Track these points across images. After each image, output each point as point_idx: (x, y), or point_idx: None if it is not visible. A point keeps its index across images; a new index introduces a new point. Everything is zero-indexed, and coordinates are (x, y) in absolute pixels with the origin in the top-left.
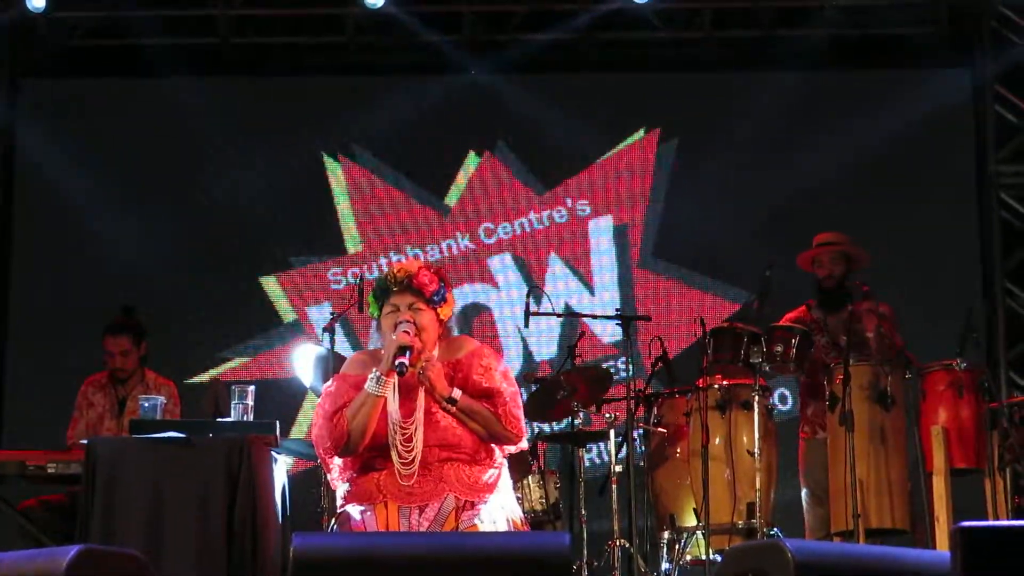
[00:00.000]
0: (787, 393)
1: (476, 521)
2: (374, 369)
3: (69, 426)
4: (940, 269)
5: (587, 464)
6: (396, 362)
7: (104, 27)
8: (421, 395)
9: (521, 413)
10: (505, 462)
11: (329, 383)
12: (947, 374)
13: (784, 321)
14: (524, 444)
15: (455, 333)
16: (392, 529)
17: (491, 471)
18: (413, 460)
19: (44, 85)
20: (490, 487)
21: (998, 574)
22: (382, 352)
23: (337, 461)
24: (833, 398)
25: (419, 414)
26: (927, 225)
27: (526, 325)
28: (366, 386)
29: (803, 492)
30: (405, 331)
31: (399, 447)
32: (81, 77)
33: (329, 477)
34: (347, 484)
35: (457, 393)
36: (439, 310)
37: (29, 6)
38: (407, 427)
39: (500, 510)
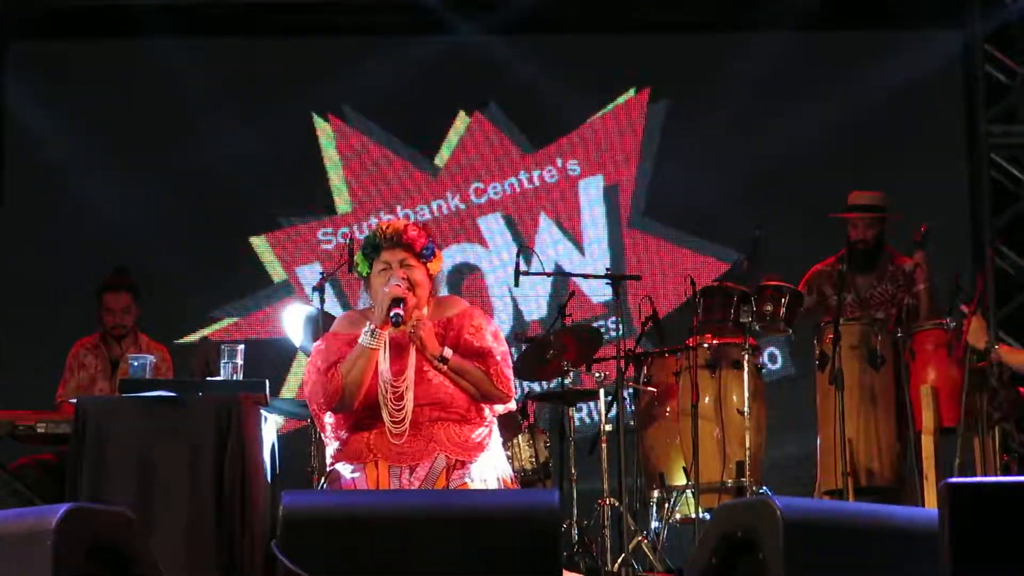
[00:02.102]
0: (776, 352)
1: (467, 480)
2: (367, 323)
3: (59, 385)
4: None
5: (577, 423)
6: (391, 313)
7: None
8: (412, 354)
9: (511, 373)
10: (495, 421)
11: (319, 342)
12: (937, 334)
13: (812, 272)
14: (513, 404)
15: (443, 292)
16: (382, 488)
17: (481, 430)
18: (404, 419)
19: (31, 46)
20: (480, 446)
21: (985, 529)
22: (372, 311)
23: (329, 419)
24: (823, 357)
25: (410, 372)
26: (917, 185)
27: (516, 285)
28: (360, 340)
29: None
30: (397, 284)
31: (390, 405)
32: (69, 38)
33: (322, 435)
34: (337, 443)
35: (448, 352)
36: (429, 265)
37: None
38: (398, 385)
39: (491, 469)
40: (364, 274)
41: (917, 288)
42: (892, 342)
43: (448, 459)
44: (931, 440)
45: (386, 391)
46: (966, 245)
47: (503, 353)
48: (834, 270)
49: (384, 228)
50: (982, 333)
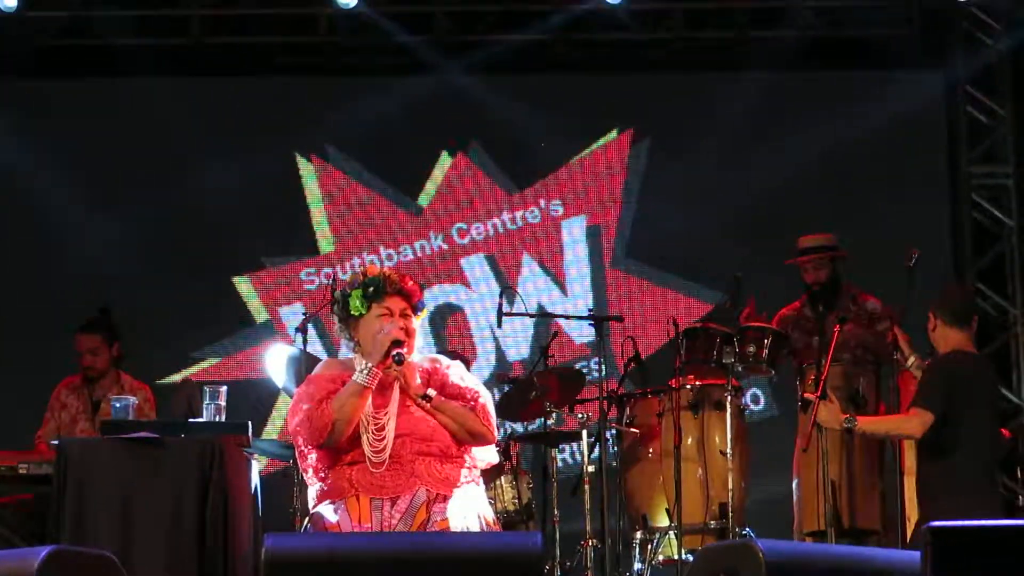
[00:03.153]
0: (759, 393)
1: (448, 515)
2: (363, 361)
3: (41, 427)
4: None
5: (560, 464)
6: (394, 353)
7: (75, 27)
8: (396, 392)
9: (495, 417)
10: (478, 465)
11: (304, 384)
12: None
13: (777, 317)
14: (495, 458)
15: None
16: (364, 521)
17: (463, 470)
18: (384, 448)
19: (15, 85)
20: (463, 484)
21: (967, 573)
22: (357, 357)
23: (312, 460)
24: (805, 399)
25: (392, 406)
26: (899, 226)
27: (499, 325)
28: (355, 377)
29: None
30: (401, 328)
31: (371, 435)
32: (53, 77)
33: (304, 476)
34: (319, 484)
35: (432, 391)
36: (417, 318)
37: (0, 6)
38: (379, 417)
39: (472, 508)
40: (359, 314)
41: (882, 327)
42: (875, 383)
43: (429, 493)
44: (914, 481)
45: (367, 423)
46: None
47: (487, 397)
48: (799, 315)
49: (388, 275)
50: (834, 414)
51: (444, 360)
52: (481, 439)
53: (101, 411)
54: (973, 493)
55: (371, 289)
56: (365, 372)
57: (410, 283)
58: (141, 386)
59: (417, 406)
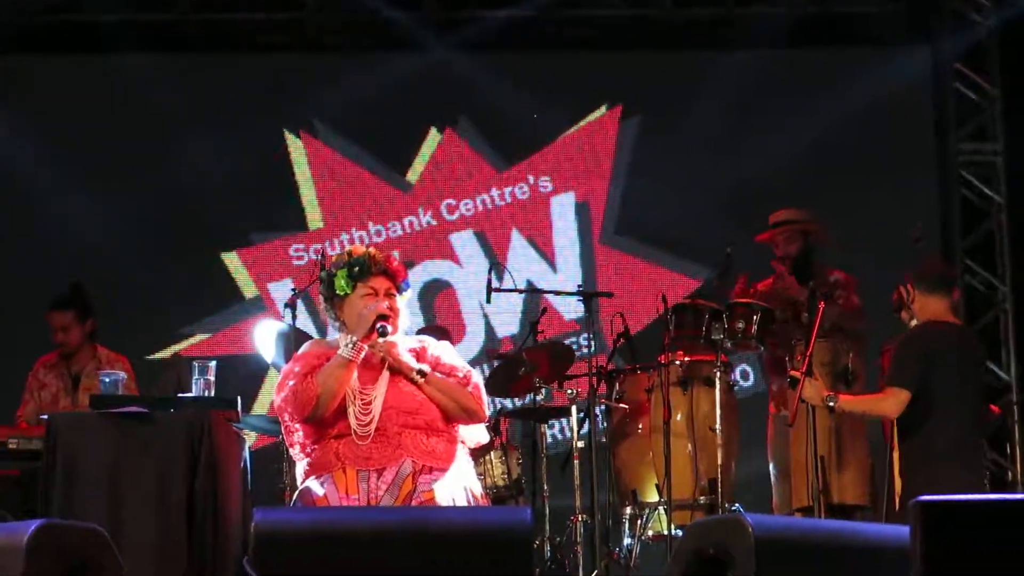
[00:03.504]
0: (749, 369)
1: (434, 486)
2: (348, 336)
3: (20, 405)
4: (901, 247)
5: (549, 440)
6: (379, 325)
7: (61, 3)
8: (385, 373)
9: (486, 397)
10: (466, 441)
11: (290, 361)
12: None
13: (757, 291)
14: (485, 437)
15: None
16: (351, 493)
17: (449, 445)
18: (370, 421)
19: (1, 62)
20: (448, 456)
21: (956, 547)
22: (339, 339)
23: (299, 436)
24: (793, 378)
25: (381, 384)
26: (888, 203)
27: (488, 301)
28: (339, 351)
29: (770, 467)
30: (385, 306)
31: (357, 409)
32: (38, 54)
33: (291, 452)
34: (306, 459)
35: (426, 367)
36: (401, 297)
37: None
38: (367, 392)
39: (459, 482)
40: (344, 294)
41: (851, 301)
42: (863, 359)
43: (415, 464)
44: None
45: (354, 397)
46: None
47: (478, 377)
48: (770, 291)
49: (373, 255)
50: (818, 391)
51: (431, 341)
52: (474, 416)
53: (81, 386)
54: (950, 465)
55: (356, 269)
56: (350, 346)
57: (395, 263)
58: (119, 358)
59: (409, 382)
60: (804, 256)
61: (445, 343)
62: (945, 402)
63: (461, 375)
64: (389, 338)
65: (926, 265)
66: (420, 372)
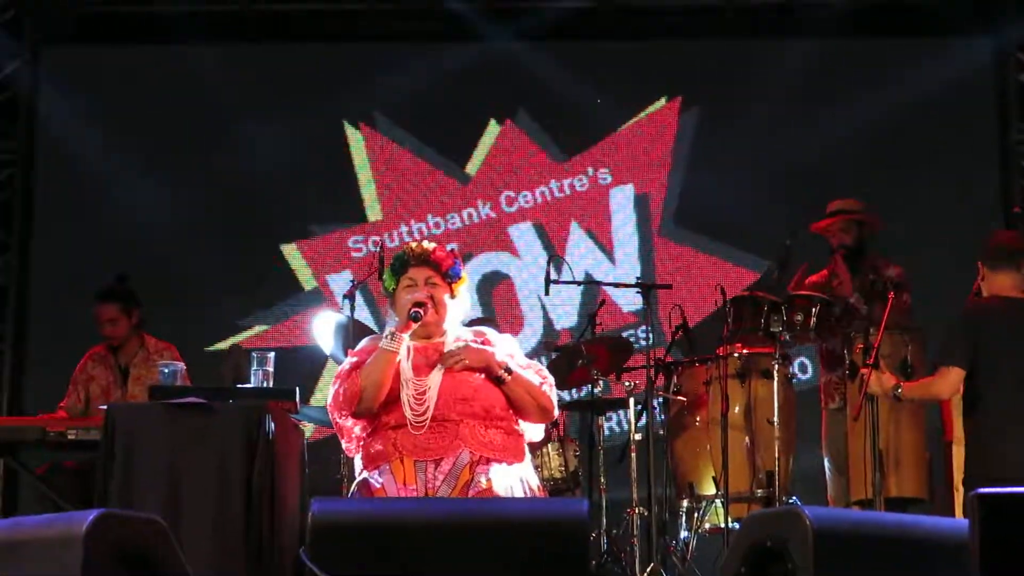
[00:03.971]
0: (807, 362)
1: (492, 475)
2: (388, 328)
3: (64, 398)
4: (961, 239)
5: (606, 432)
6: (411, 311)
7: None
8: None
9: (550, 375)
10: (525, 436)
11: (344, 362)
12: None
13: (808, 284)
14: (540, 435)
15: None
16: (409, 483)
17: (507, 437)
18: (425, 411)
19: (65, 53)
20: (505, 448)
21: (1015, 540)
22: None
23: (356, 431)
24: (853, 366)
25: (436, 374)
26: (948, 194)
27: (547, 293)
28: (380, 344)
29: (825, 461)
30: (423, 295)
31: (411, 400)
32: (102, 44)
33: (345, 447)
34: (362, 451)
35: (510, 361)
36: (453, 287)
37: None
38: (420, 382)
39: (515, 474)
40: (390, 289)
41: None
42: (922, 351)
43: (472, 455)
44: (961, 450)
45: (407, 386)
46: None
47: (531, 362)
48: (826, 282)
49: (413, 247)
50: (886, 381)
51: (491, 333)
52: (547, 415)
53: (131, 377)
54: (1007, 439)
55: (396, 264)
56: (389, 337)
57: (438, 252)
58: (167, 346)
59: (495, 385)
60: (858, 246)
61: (508, 337)
62: (998, 376)
63: (540, 374)
64: (456, 342)
65: (992, 240)
66: (507, 370)
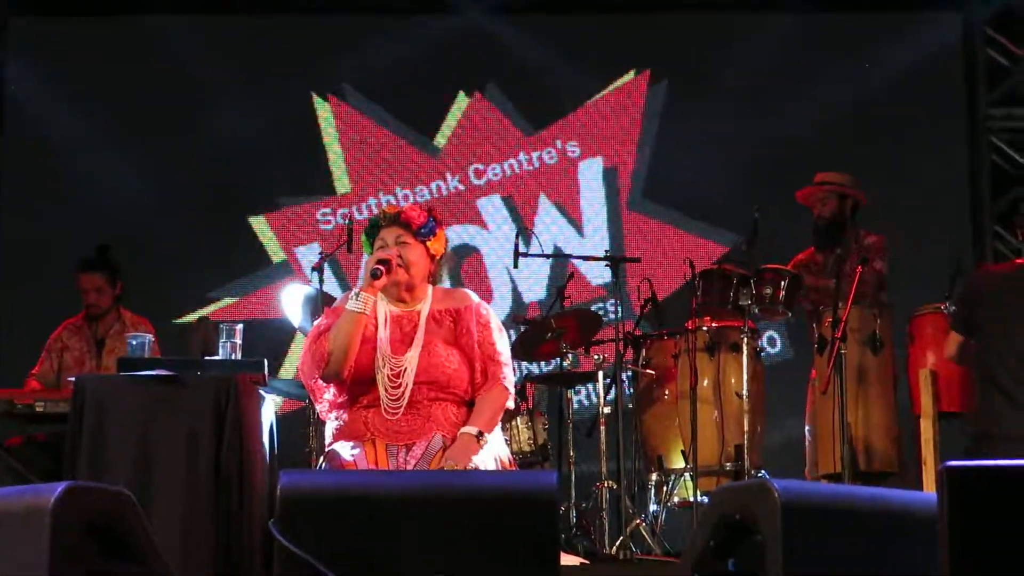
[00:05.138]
0: (776, 336)
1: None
2: (353, 289)
3: (35, 366)
4: (930, 212)
5: (575, 406)
6: (372, 268)
7: None
8: (420, 334)
9: (511, 372)
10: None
11: (319, 319)
12: (936, 318)
13: (792, 263)
14: (511, 404)
15: (446, 279)
16: (381, 466)
17: None
18: (401, 396)
19: (32, 23)
20: None
21: (984, 513)
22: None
23: (327, 396)
24: (822, 340)
25: (414, 352)
26: (917, 168)
27: (515, 266)
28: (347, 304)
29: (806, 430)
30: (386, 251)
31: (387, 382)
32: (70, 15)
33: (318, 408)
34: (336, 421)
35: (476, 428)
36: (428, 244)
37: None
38: (397, 362)
39: (488, 449)
40: (368, 254)
41: (874, 266)
42: (891, 326)
43: (445, 439)
44: (930, 424)
45: (383, 364)
46: (966, 228)
47: (508, 357)
48: (811, 259)
49: (383, 208)
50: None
51: (465, 299)
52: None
53: (106, 348)
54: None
55: (369, 228)
56: (355, 298)
57: (408, 211)
58: (141, 320)
59: (441, 346)
60: (836, 219)
61: (492, 311)
62: (994, 341)
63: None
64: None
65: None
66: (480, 434)
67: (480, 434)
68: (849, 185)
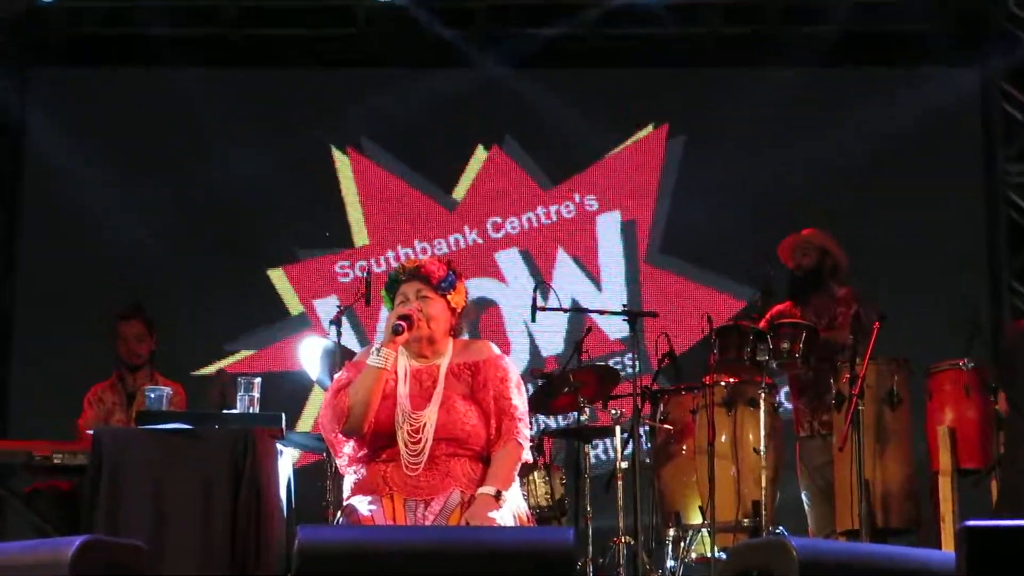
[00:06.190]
0: None
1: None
2: (374, 344)
3: (79, 417)
4: (947, 268)
5: (593, 460)
6: (394, 324)
7: (113, 16)
8: (439, 389)
9: (527, 429)
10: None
11: (340, 372)
12: (954, 374)
13: (768, 315)
14: (529, 458)
15: (465, 332)
16: (398, 522)
17: None
18: (421, 452)
19: (53, 75)
20: None
21: (1003, 573)
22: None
23: (347, 449)
24: (839, 396)
25: (433, 408)
26: (934, 223)
27: (533, 320)
28: (368, 360)
29: (803, 493)
30: (407, 306)
31: (407, 437)
32: (90, 67)
33: (337, 463)
34: (354, 475)
35: (494, 488)
36: (449, 297)
37: None
38: (417, 418)
39: (506, 506)
40: (390, 310)
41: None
42: (907, 382)
43: (463, 494)
44: (948, 481)
45: (403, 420)
46: (984, 285)
47: (523, 412)
48: (789, 312)
49: (403, 263)
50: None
51: (485, 351)
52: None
53: (136, 402)
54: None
55: (389, 283)
56: (375, 353)
57: (428, 265)
58: (175, 384)
59: (460, 401)
60: (812, 273)
61: (511, 364)
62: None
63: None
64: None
65: None
66: (497, 493)
67: (498, 493)
68: (827, 241)
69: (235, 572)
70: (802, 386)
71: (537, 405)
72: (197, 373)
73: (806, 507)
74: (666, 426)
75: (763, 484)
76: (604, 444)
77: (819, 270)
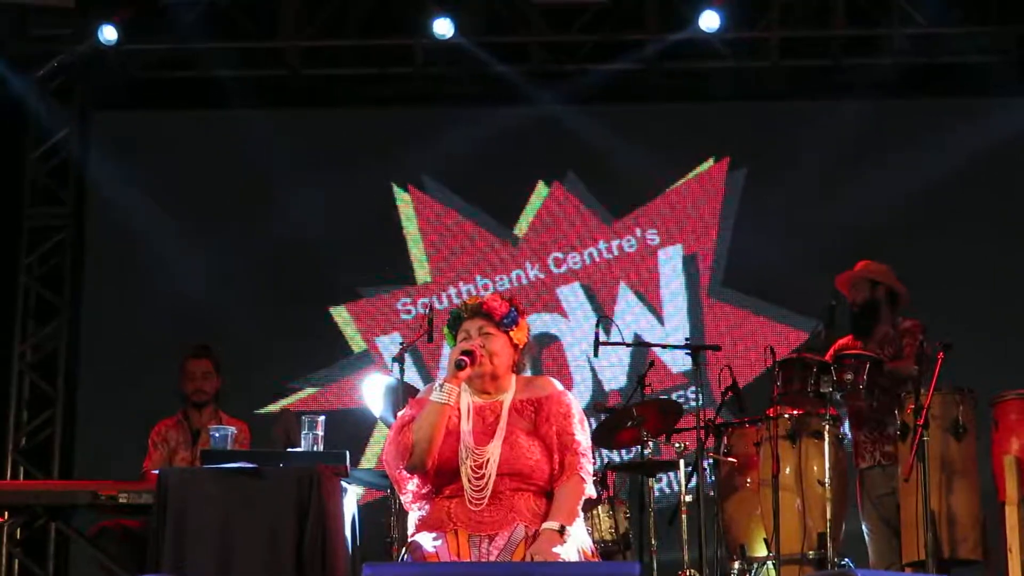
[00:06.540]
0: None
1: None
2: (438, 380)
3: (146, 458)
4: (1010, 299)
5: (657, 494)
6: (457, 359)
7: (174, 59)
8: (502, 425)
9: (590, 464)
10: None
11: (403, 409)
12: (1019, 403)
13: (832, 348)
14: (592, 492)
15: (528, 368)
16: (463, 557)
17: None
18: (484, 487)
19: (115, 117)
20: None
21: None
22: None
23: (411, 486)
24: (904, 427)
25: (496, 443)
26: (995, 255)
27: (596, 355)
28: (431, 396)
29: (863, 524)
30: (466, 340)
31: (470, 472)
32: (151, 109)
33: (402, 499)
34: (418, 511)
35: (558, 523)
36: (511, 334)
37: (101, 39)
38: (480, 454)
39: (571, 540)
40: (452, 348)
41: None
42: (973, 411)
43: (527, 529)
44: (1015, 511)
45: (466, 456)
46: None
47: (586, 447)
48: (852, 345)
49: (465, 300)
50: None
51: (548, 387)
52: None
53: (200, 440)
54: None
55: (451, 320)
56: (439, 388)
57: (490, 301)
58: (239, 423)
59: (523, 437)
60: (867, 306)
61: (573, 399)
62: None
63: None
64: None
65: None
66: (561, 529)
67: (563, 528)
68: (882, 274)
69: None
70: (863, 417)
71: (600, 439)
72: (261, 412)
73: (867, 538)
74: (730, 459)
75: (828, 516)
76: (668, 478)
77: (873, 303)
